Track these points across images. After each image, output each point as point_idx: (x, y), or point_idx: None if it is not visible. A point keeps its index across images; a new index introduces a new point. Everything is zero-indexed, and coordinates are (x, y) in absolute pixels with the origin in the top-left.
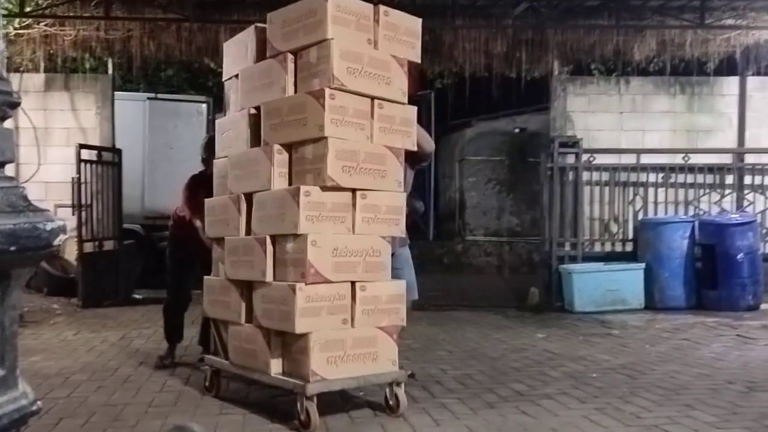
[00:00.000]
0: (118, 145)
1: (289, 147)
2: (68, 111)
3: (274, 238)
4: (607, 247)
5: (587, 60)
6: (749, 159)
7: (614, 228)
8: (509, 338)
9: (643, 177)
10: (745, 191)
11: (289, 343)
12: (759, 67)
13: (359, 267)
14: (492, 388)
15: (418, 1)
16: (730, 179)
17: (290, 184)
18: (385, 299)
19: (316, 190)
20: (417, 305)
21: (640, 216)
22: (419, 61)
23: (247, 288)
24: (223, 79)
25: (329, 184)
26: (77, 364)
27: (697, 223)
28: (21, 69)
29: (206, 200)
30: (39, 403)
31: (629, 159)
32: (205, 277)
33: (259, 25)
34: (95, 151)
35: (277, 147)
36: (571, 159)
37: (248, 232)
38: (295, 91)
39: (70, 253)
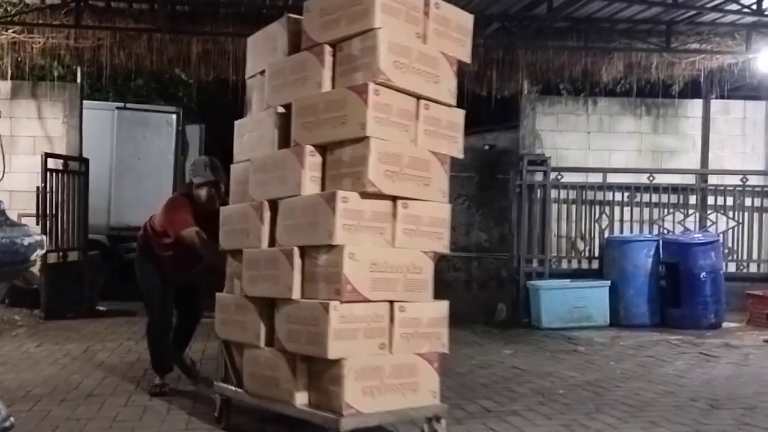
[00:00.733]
0: (85, 155)
1: (323, 148)
2: (35, 119)
3: (303, 250)
4: (574, 265)
5: (556, 80)
6: (712, 180)
7: (581, 245)
8: (477, 354)
9: (609, 195)
10: (708, 212)
11: (319, 371)
12: (722, 91)
13: (399, 285)
14: (460, 404)
15: None
16: (693, 200)
17: (323, 189)
18: (426, 322)
19: (354, 197)
20: None
21: (606, 234)
22: (469, 61)
23: (268, 306)
24: (246, 77)
25: (370, 190)
26: (39, 378)
27: (661, 242)
28: None
29: (222, 208)
30: (12, 419)
31: (596, 178)
32: (218, 294)
33: (292, 15)
34: (61, 161)
35: (309, 148)
36: (539, 177)
37: (272, 243)
38: (333, 87)
39: (34, 263)
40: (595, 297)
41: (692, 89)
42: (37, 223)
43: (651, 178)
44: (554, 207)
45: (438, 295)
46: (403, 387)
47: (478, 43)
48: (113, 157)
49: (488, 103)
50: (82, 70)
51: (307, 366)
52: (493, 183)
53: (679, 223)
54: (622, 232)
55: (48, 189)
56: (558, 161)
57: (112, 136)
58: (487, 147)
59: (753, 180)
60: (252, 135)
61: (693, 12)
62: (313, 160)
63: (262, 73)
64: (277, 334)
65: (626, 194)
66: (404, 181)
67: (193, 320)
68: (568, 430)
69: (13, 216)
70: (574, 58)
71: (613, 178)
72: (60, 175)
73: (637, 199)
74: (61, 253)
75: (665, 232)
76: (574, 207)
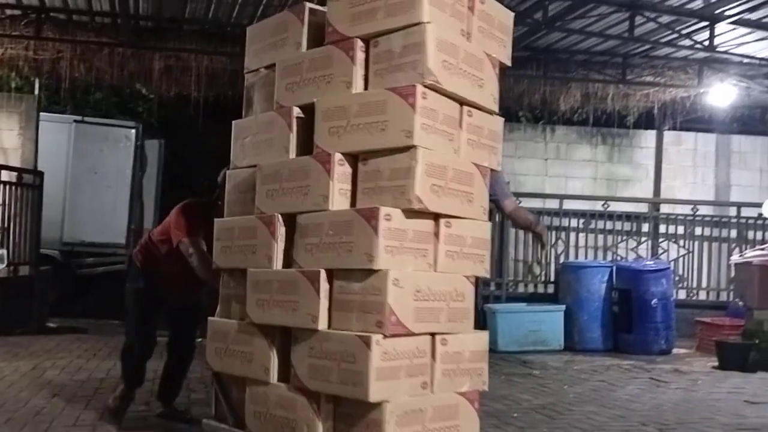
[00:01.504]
0: (40, 168)
1: (353, 157)
2: None
3: (331, 274)
4: (530, 289)
5: (516, 107)
6: (664, 209)
7: (537, 270)
8: None
9: (565, 222)
10: (660, 239)
11: (350, 414)
12: (675, 123)
13: (442, 314)
14: None
15: None
16: (646, 227)
17: (353, 204)
18: (467, 356)
19: (397, 214)
20: None
21: (562, 259)
22: (510, 63)
23: (281, 336)
24: (246, 72)
25: (416, 207)
26: None
27: (614, 269)
28: None
29: (218, 221)
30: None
31: (553, 204)
32: (211, 319)
33: (309, 4)
34: (15, 173)
35: (338, 156)
36: None
37: (287, 263)
38: (366, 88)
39: None
40: (550, 321)
41: (646, 120)
42: None
43: (606, 206)
44: (512, 231)
45: None
46: None
47: None
48: (69, 170)
49: None
50: (41, 81)
51: (334, 407)
52: None
53: (632, 250)
54: (577, 257)
55: (0, 201)
56: (516, 187)
57: (69, 149)
58: None
59: (703, 210)
60: (258, 138)
61: (648, 46)
62: (342, 170)
63: (269, 68)
64: (294, 369)
65: (582, 221)
66: (449, 197)
67: (183, 360)
68: None
69: None
70: (534, 87)
71: (569, 205)
72: (13, 187)
73: (592, 225)
74: (11, 267)
75: (619, 258)
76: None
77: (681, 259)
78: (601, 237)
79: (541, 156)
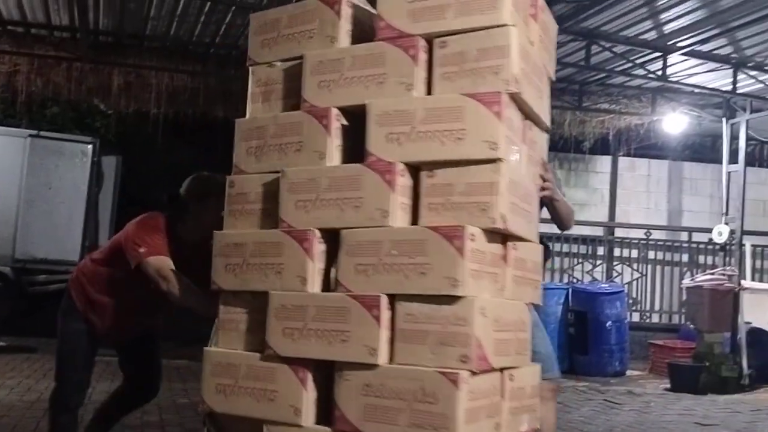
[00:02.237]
0: None
1: (414, 168)
2: None
3: (393, 299)
4: None
5: None
6: (618, 233)
7: None
8: None
9: None
10: (615, 263)
11: None
12: (629, 149)
13: (512, 347)
14: None
15: None
16: (601, 250)
17: (413, 221)
18: (528, 392)
19: (479, 234)
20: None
21: None
22: (554, 78)
23: (318, 371)
24: (250, 63)
25: (500, 227)
26: None
27: (570, 291)
28: None
29: (220, 234)
30: None
31: None
32: (211, 350)
33: None
34: None
35: (400, 166)
36: None
37: (324, 286)
38: (428, 92)
39: None
40: None
41: (602, 146)
42: None
43: None
44: None
45: None
46: None
47: None
48: (23, 185)
49: None
50: None
51: None
52: None
53: (588, 272)
54: None
55: None
56: None
57: (23, 163)
58: None
59: (656, 234)
60: (279, 140)
61: (603, 74)
62: (403, 181)
63: (289, 61)
64: (341, 410)
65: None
66: (519, 217)
67: (147, 397)
68: None
69: None
70: None
71: None
72: None
73: (549, 248)
74: None
75: (575, 281)
76: None
77: (635, 282)
78: (558, 259)
79: None
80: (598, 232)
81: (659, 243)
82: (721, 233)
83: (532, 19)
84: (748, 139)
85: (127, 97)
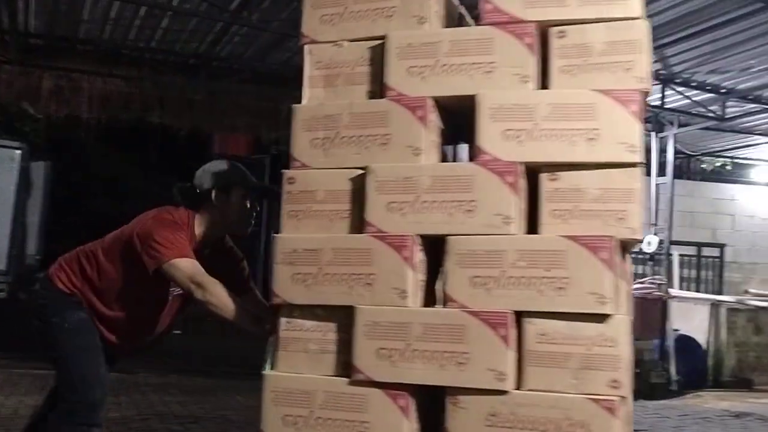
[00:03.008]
0: None
1: (533, 170)
2: None
3: (519, 317)
4: None
5: None
6: None
7: None
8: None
9: None
10: None
11: None
12: None
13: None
14: None
15: (257, 69)
16: None
17: (530, 228)
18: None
19: (617, 246)
20: None
21: None
22: None
23: (420, 397)
24: (306, 41)
25: (638, 237)
26: None
27: None
28: None
29: (282, 237)
30: None
31: None
32: (272, 374)
33: None
34: None
35: (521, 168)
36: None
37: (426, 300)
38: (543, 85)
39: None
40: None
41: None
42: None
43: None
44: None
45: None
46: None
47: None
48: None
49: None
50: None
51: None
52: None
53: None
54: None
55: None
56: None
57: None
58: None
59: None
60: (358, 132)
61: None
62: (522, 184)
63: (366, 40)
64: None
65: None
66: None
67: None
68: None
69: None
70: None
71: None
72: None
73: None
74: None
75: None
76: None
77: None
78: None
79: None
80: None
81: None
82: (650, 243)
83: None
84: (676, 152)
85: (57, 102)
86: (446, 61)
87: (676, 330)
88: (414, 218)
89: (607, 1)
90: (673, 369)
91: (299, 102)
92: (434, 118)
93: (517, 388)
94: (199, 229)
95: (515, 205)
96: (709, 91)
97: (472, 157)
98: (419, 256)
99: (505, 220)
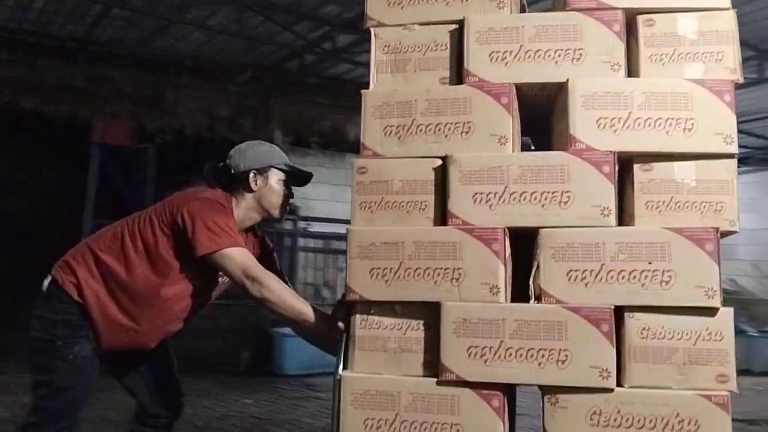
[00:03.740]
0: None
1: (621, 160)
2: None
3: (618, 312)
4: None
5: (307, 133)
6: None
7: (325, 293)
8: (217, 405)
9: None
10: None
11: None
12: None
13: None
14: None
15: (140, 55)
16: None
17: (622, 220)
18: None
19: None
20: None
21: None
22: None
23: (511, 397)
24: (371, 24)
25: (735, 230)
26: None
27: None
28: None
29: (357, 230)
30: None
31: (341, 228)
32: (347, 374)
33: None
34: None
35: (615, 157)
36: (289, 225)
37: (515, 295)
38: (629, 73)
39: None
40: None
41: None
42: None
43: None
44: (302, 255)
45: (181, 343)
46: None
47: (230, 89)
48: None
49: None
50: None
51: None
52: None
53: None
54: None
55: None
56: (307, 211)
57: None
58: None
59: None
60: (437, 120)
61: None
62: (614, 174)
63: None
64: None
65: None
66: None
67: (172, 412)
68: None
69: None
70: (324, 114)
71: None
72: None
73: None
74: None
75: None
76: (320, 256)
77: None
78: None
79: (332, 181)
80: None
81: None
82: None
83: None
84: None
85: None
86: (531, 47)
87: None
88: (502, 210)
89: None
90: None
91: (185, 88)
92: (516, 105)
93: (619, 385)
94: (236, 213)
95: (613, 196)
96: None
97: (562, 147)
98: (508, 251)
99: (604, 211)
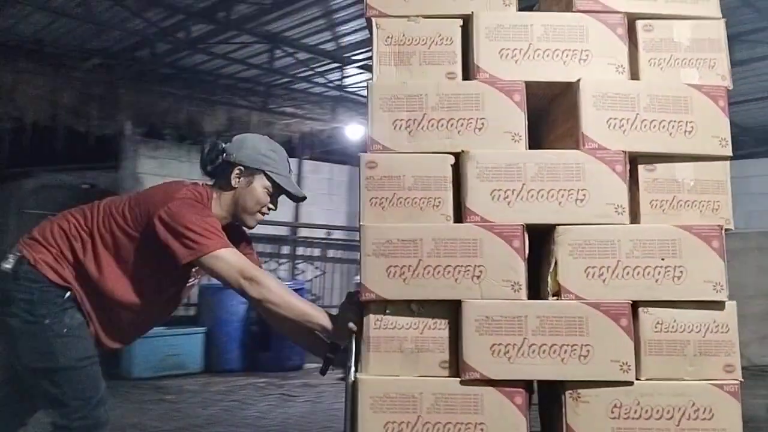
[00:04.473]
0: None
1: (631, 159)
2: None
3: (635, 307)
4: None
5: (160, 124)
6: (302, 232)
7: None
8: None
9: None
10: (298, 261)
11: None
12: (313, 152)
13: None
14: None
15: None
16: (286, 249)
17: (632, 217)
18: None
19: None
20: None
21: (204, 281)
22: None
23: (546, 393)
24: (372, 14)
25: (731, 228)
26: None
27: None
28: None
29: (371, 227)
30: None
31: None
32: (363, 377)
33: None
34: None
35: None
36: None
37: (531, 292)
38: (631, 76)
39: None
40: (189, 344)
41: (288, 149)
42: None
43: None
44: None
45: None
46: None
47: (75, 76)
48: None
49: (87, 141)
50: None
51: None
52: None
53: (274, 271)
54: None
55: None
56: None
57: None
58: (86, 186)
59: (337, 234)
60: (449, 115)
61: (288, 79)
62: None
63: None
64: None
65: None
66: None
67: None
68: None
69: None
70: (179, 105)
71: None
72: None
73: None
74: None
75: None
76: None
77: (316, 279)
78: None
79: (186, 175)
80: (284, 231)
81: (339, 242)
82: None
83: None
84: None
85: None
86: (539, 46)
87: None
88: (521, 207)
89: (693, 0)
90: None
91: (24, 74)
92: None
93: (636, 378)
94: (214, 210)
95: (626, 195)
96: None
97: (567, 146)
98: (525, 249)
99: (618, 209)
